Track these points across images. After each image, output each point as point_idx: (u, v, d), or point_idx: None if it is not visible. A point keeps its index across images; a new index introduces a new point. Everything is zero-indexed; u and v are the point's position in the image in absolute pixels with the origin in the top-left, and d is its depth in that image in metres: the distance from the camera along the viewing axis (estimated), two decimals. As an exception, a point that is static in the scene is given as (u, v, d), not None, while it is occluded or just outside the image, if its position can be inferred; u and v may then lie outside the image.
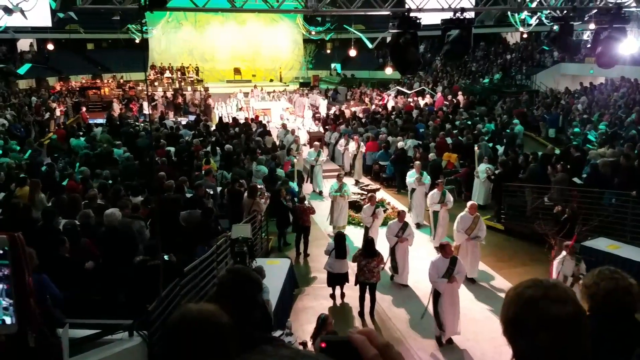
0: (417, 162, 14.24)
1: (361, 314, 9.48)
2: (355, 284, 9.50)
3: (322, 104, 29.65)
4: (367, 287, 9.35)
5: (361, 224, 13.82)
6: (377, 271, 9.26)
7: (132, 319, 5.66)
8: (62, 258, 6.59)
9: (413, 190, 14.11)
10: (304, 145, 19.73)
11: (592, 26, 13.47)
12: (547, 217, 11.09)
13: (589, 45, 21.16)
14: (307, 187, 16.98)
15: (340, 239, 9.76)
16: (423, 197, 13.75)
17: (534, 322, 1.54)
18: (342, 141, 18.76)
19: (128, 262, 6.99)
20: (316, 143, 17.44)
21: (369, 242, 9.51)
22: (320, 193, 16.42)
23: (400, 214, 11.15)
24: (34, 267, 5.43)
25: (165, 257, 7.05)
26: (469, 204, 10.94)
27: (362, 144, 18.13)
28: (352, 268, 9.94)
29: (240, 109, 27.50)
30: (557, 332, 1.51)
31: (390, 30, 9.49)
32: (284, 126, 20.87)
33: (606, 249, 10.13)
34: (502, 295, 8.79)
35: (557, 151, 16.12)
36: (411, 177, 14.01)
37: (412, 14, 9.24)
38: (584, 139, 18.05)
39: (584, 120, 20.62)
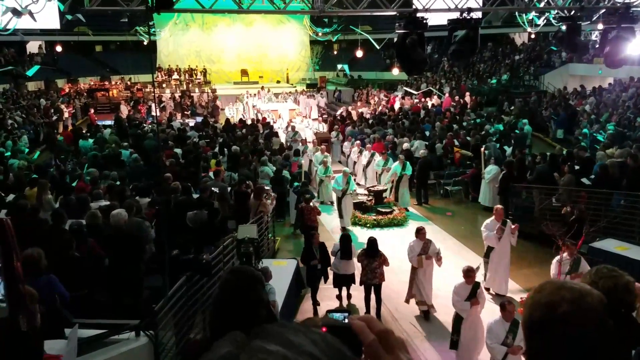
0: (499, 207, 10.20)
1: (377, 310, 9.45)
2: (360, 285, 9.48)
3: (321, 102, 30.02)
4: (372, 288, 9.30)
5: (367, 225, 13.79)
6: (379, 272, 9.20)
7: (138, 319, 5.68)
8: (72, 258, 6.63)
9: (490, 248, 9.98)
10: (304, 139, 19.79)
11: (600, 26, 13.42)
12: (555, 218, 11.01)
13: (597, 46, 21.05)
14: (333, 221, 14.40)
15: (345, 240, 9.73)
16: (506, 254, 9.95)
17: (557, 335, 1.52)
18: (379, 159, 16.30)
19: (134, 263, 7.03)
20: (346, 169, 14.84)
21: (371, 241, 9.34)
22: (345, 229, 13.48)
23: (421, 232, 9.42)
24: (43, 268, 5.53)
25: (203, 256, 7.35)
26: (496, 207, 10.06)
27: (408, 163, 15.20)
28: (358, 269, 9.94)
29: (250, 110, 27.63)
30: (578, 350, 1.50)
31: (397, 31, 9.49)
32: (314, 143, 18.72)
33: (614, 250, 10.05)
34: (509, 296, 8.77)
35: (565, 152, 16.04)
36: (489, 228, 9.89)
37: (418, 14, 9.23)
38: (592, 140, 17.95)
39: (592, 120, 20.50)
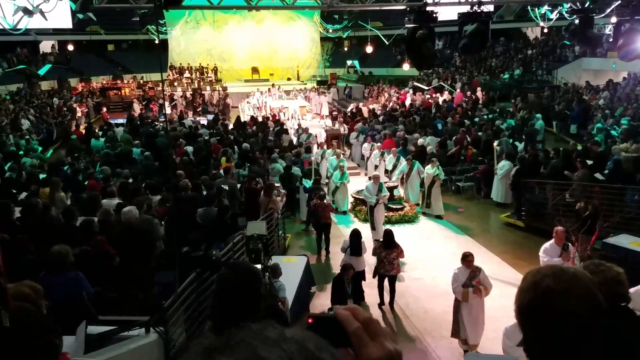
0: (560, 229, 8.59)
1: (381, 304, 9.54)
2: (374, 276, 9.58)
3: (328, 98, 30.15)
4: (387, 279, 9.43)
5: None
6: (396, 263, 9.34)
7: (148, 315, 5.69)
8: (81, 255, 6.66)
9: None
10: (322, 142, 18.63)
11: (614, 19, 13.22)
12: (568, 214, 10.90)
13: (611, 39, 20.79)
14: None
15: (355, 237, 9.73)
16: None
17: (547, 314, 1.51)
18: (401, 163, 15.31)
19: (145, 260, 7.05)
20: (376, 174, 13.65)
21: (388, 233, 9.53)
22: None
23: (468, 258, 7.77)
24: (69, 264, 5.58)
25: (213, 252, 7.45)
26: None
27: (438, 166, 14.22)
28: (369, 265, 9.93)
29: (259, 108, 27.59)
30: (570, 327, 1.47)
31: (407, 25, 9.41)
32: (331, 146, 17.38)
33: (629, 246, 9.90)
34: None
35: (579, 147, 15.87)
36: (548, 253, 8.33)
37: (428, 8, 9.14)
38: (606, 135, 17.73)
39: (606, 115, 20.25)
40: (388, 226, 13.11)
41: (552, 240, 8.52)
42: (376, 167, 16.38)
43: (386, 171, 16.27)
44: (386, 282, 9.53)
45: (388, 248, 9.32)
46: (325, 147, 17.54)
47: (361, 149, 18.91)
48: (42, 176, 12.58)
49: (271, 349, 0.72)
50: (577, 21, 12.54)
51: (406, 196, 15.08)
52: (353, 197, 14.86)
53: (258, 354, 0.71)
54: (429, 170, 14.17)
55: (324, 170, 16.15)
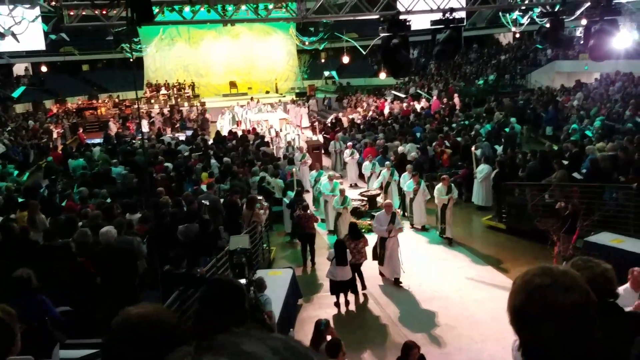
0: (636, 270, 6.62)
1: (363, 287, 10.49)
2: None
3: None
4: (356, 267, 10.24)
5: (362, 230, 13.44)
6: (364, 252, 10.38)
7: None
8: (61, 276, 6.53)
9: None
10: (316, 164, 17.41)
11: (584, 22, 13.48)
12: (549, 214, 11.01)
13: (582, 42, 21.19)
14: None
15: (340, 247, 9.72)
16: None
17: (540, 311, 1.48)
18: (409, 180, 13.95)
19: (127, 280, 6.93)
20: (388, 201, 11.69)
21: (352, 226, 10.66)
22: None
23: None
24: (34, 288, 5.46)
25: (197, 270, 7.52)
26: None
27: (451, 185, 12.89)
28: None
29: (238, 123, 27.44)
30: (564, 321, 1.45)
31: (381, 34, 9.49)
32: (330, 178, 14.19)
33: (610, 243, 10.02)
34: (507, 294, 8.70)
35: (555, 148, 16.07)
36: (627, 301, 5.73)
37: (401, 17, 9.22)
38: (581, 135, 18.00)
39: (581, 116, 20.58)
40: (372, 235, 13.13)
41: (627, 284, 6.55)
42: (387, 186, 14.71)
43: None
44: None
45: (355, 239, 10.24)
46: (318, 168, 16.42)
47: (357, 168, 17.59)
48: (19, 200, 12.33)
49: (257, 344, 0.71)
50: (547, 24, 12.77)
51: (411, 219, 14.00)
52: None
53: (242, 349, 0.70)
54: (441, 194, 12.65)
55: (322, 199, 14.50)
